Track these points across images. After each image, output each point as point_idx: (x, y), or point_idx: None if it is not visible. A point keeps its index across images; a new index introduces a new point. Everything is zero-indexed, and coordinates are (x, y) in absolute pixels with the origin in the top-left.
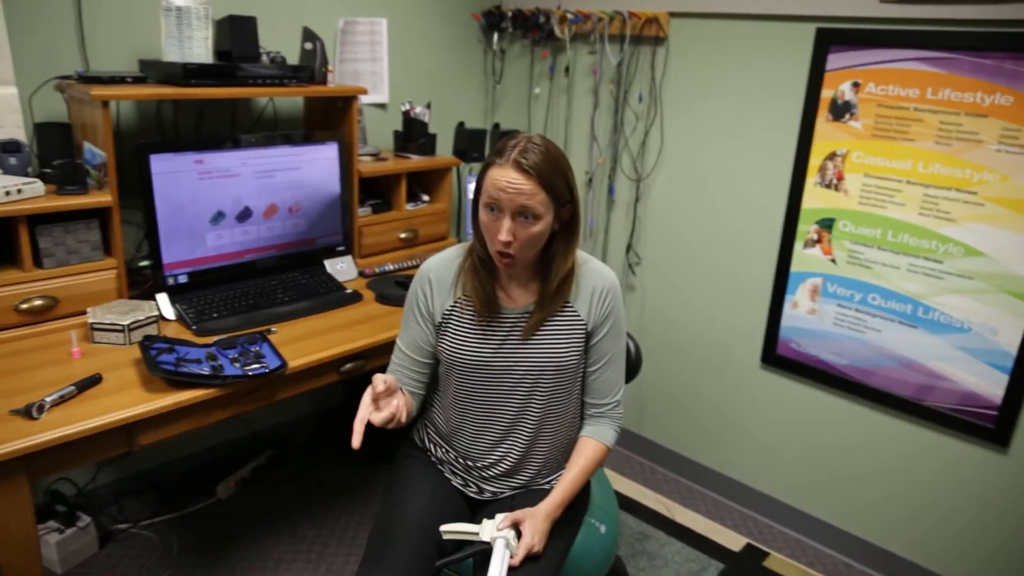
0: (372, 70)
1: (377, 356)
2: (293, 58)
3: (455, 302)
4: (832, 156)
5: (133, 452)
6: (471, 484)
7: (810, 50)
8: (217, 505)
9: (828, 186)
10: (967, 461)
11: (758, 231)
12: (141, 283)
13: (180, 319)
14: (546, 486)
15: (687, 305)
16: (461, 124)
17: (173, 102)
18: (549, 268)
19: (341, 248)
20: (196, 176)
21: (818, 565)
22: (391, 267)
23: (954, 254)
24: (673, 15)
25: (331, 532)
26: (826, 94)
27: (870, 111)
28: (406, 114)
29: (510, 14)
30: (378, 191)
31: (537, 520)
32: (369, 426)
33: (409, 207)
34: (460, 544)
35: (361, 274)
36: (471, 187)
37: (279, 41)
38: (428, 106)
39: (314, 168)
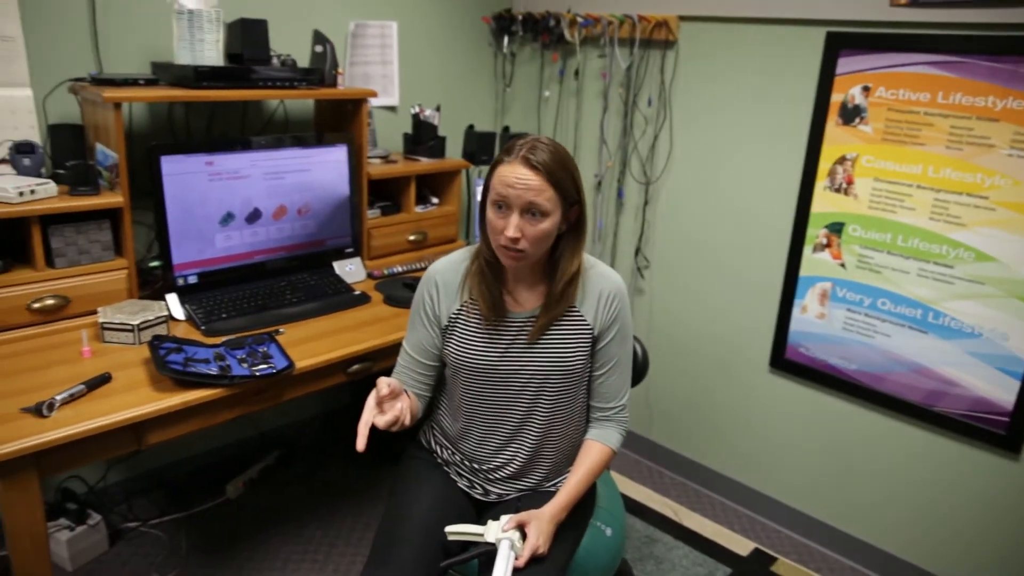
0: (382, 73)
1: (385, 358)
2: (303, 61)
3: (461, 305)
4: (842, 160)
5: (142, 451)
6: (477, 486)
7: (820, 54)
8: (225, 505)
9: (838, 190)
10: (978, 468)
11: (767, 235)
12: (151, 283)
13: (189, 319)
14: (552, 488)
15: (696, 308)
16: (471, 127)
17: (184, 104)
18: (555, 270)
19: (350, 250)
20: (206, 177)
21: (826, 570)
22: (400, 269)
23: (965, 259)
24: (683, 19)
25: (338, 532)
26: (836, 98)
27: (880, 115)
28: (416, 117)
29: (520, 17)
30: (387, 193)
31: (542, 522)
32: (374, 428)
33: (418, 209)
34: (465, 545)
35: (370, 276)
36: (480, 190)
37: (290, 44)
38: (438, 109)
39: (324, 170)
